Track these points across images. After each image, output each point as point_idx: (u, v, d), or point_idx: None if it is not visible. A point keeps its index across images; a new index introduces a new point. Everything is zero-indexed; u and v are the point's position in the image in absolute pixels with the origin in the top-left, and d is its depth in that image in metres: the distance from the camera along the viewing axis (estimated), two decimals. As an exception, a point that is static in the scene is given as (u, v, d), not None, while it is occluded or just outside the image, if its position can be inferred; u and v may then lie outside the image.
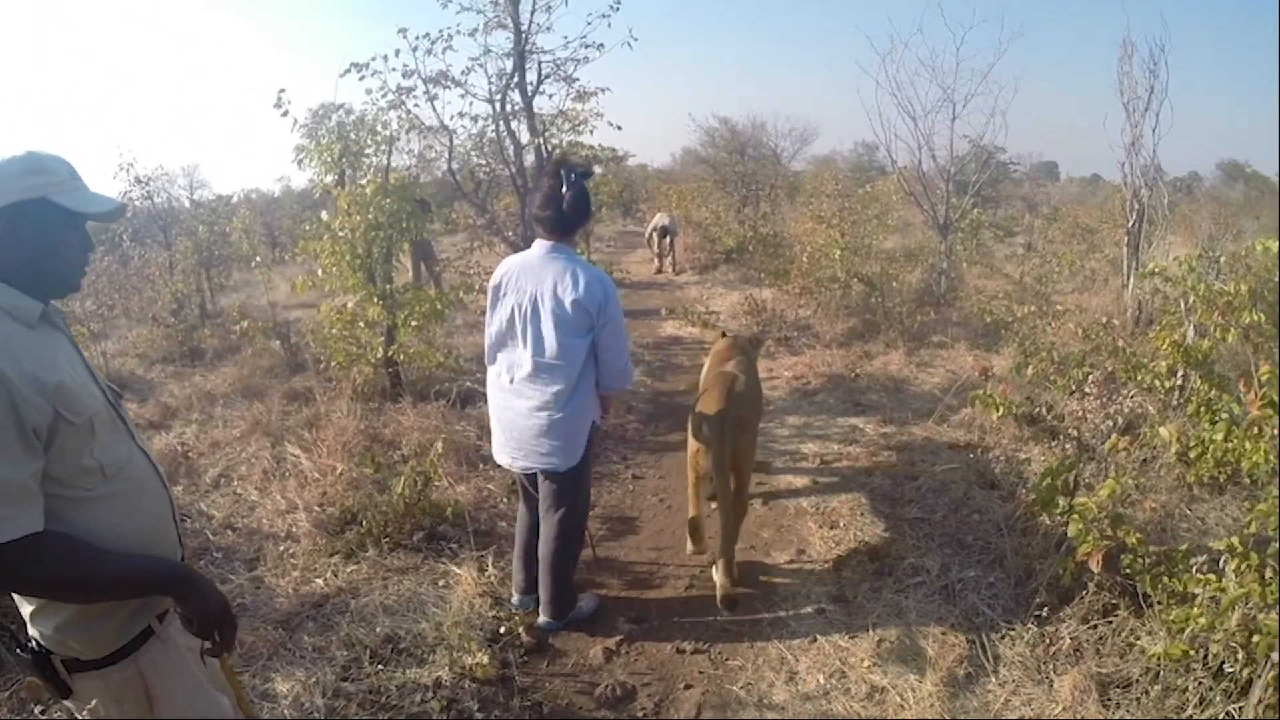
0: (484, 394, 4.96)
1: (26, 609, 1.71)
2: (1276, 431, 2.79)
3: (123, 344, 9.23)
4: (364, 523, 4.24)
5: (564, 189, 3.18)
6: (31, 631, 1.71)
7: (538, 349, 3.23)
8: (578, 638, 3.62)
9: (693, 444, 3.94)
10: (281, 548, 4.24)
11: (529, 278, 3.23)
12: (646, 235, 14.76)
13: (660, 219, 14.44)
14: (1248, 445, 3.00)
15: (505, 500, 4.78)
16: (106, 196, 1.77)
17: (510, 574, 3.92)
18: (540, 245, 3.27)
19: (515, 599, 3.79)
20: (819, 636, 3.56)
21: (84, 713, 1.68)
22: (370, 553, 4.09)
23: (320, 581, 3.90)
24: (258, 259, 10.03)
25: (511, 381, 3.33)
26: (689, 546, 4.05)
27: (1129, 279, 8.67)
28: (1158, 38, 8.90)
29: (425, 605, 3.69)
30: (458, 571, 3.95)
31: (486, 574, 3.96)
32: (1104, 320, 6.99)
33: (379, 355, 6.41)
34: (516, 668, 3.35)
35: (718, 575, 3.83)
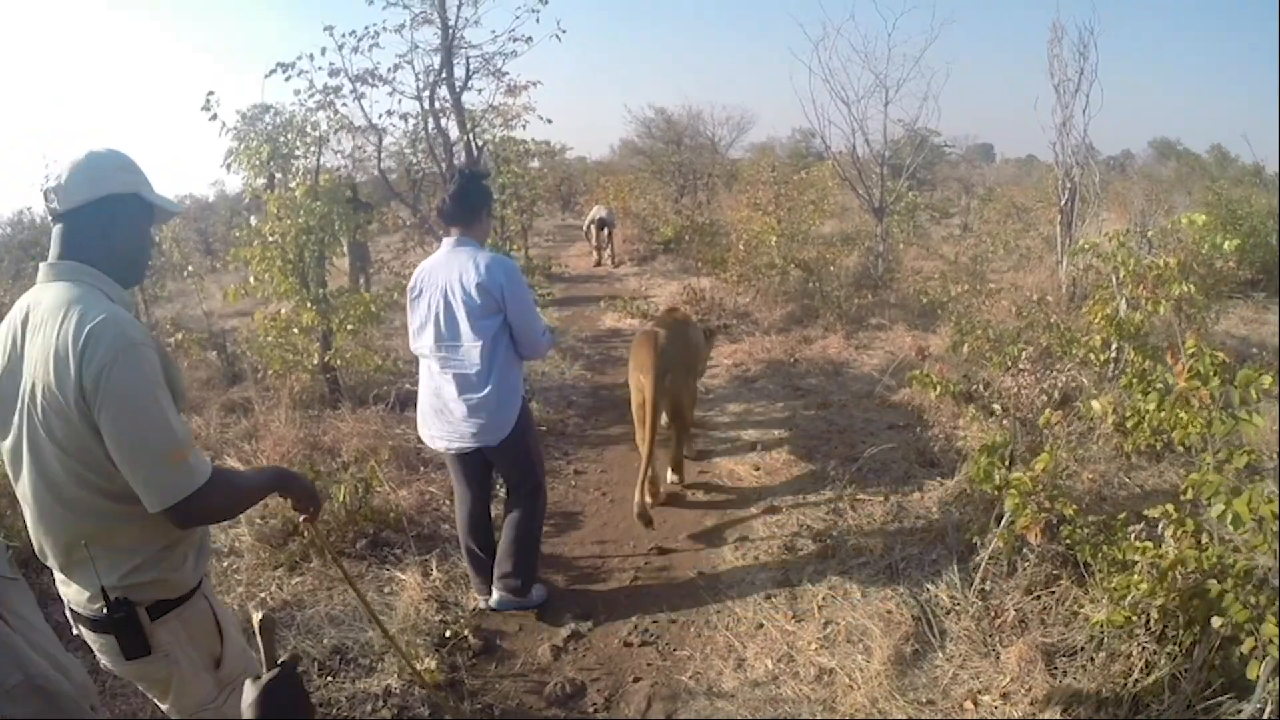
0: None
1: (85, 571, 1.80)
2: (1204, 401, 2.84)
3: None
4: (304, 533, 4.16)
5: (448, 184, 3.50)
6: (88, 590, 1.82)
7: (453, 334, 3.40)
8: (525, 637, 3.60)
9: (632, 394, 4.64)
10: (225, 564, 4.15)
11: (439, 273, 3.41)
12: (584, 228, 14.75)
13: (597, 211, 14.45)
14: (1180, 414, 3.05)
15: (447, 503, 4.72)
16: (173, 200, 2.01)
17: (459, 575, 3.93)
18: (446, 242, 3.48)
19: (484, 602, 3.77)
20: (765, 622, 3.57)
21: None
22: (314, 564, 4.02)
23: (265, 596, 3.83)
24: (190, 268, 9.81)
25: (441, 368, 3.46)
26: (635, 497, 4.30)
27: (1063, 256, 8.85)
28: (1087, 21, 9.12)
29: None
30: (402, 577, 3.91)
31: (431, 578, 3.92)
32: (1038, 297, 7.12)
33: (315, 361, 6.30)
34: (465, 671, 3.33)
35: (637, 495, 4.25)
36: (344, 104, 6.65)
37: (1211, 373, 2.79)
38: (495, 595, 3.69)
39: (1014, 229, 13.11)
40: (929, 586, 3.69)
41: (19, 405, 1.74)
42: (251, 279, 6.26)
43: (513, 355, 3.49)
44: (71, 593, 1.87)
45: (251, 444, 5.45)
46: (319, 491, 2.27)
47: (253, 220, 6.20)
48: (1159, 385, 3.40)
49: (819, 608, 3.64)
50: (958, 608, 3.50)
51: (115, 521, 1.77)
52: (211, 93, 6.28)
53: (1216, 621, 2.55)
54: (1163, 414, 3.32)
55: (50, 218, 1.85)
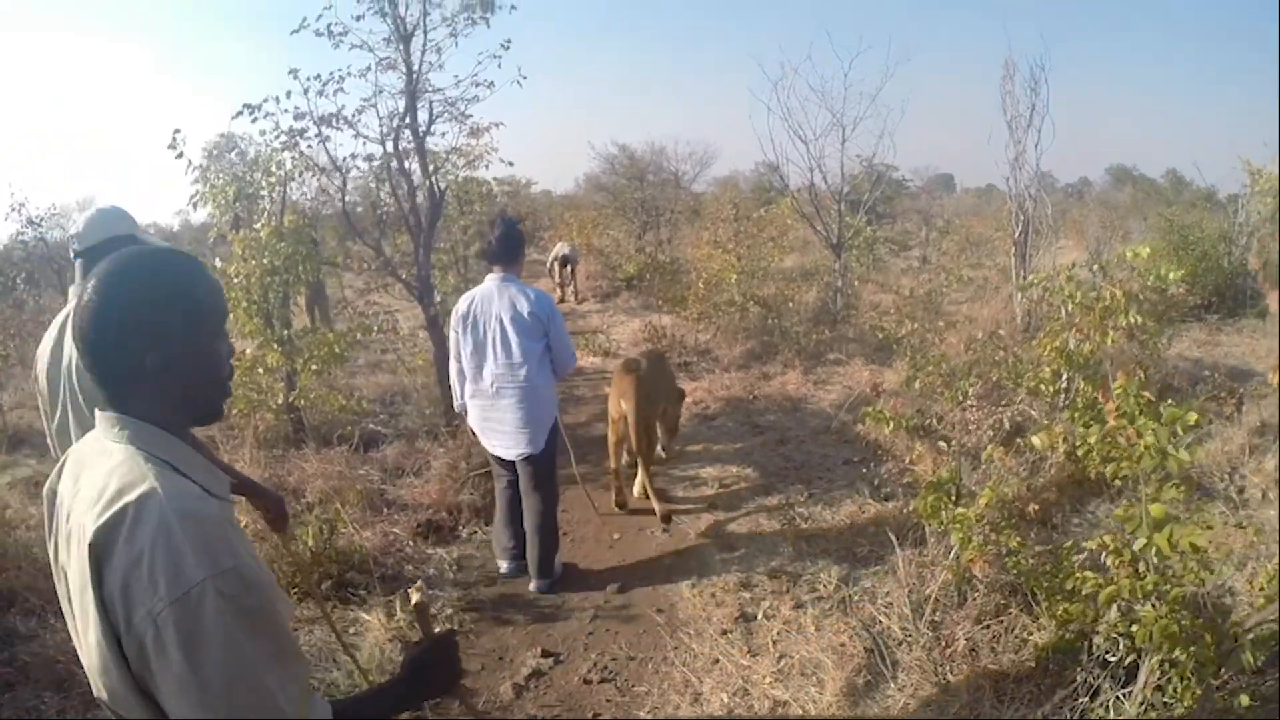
0: (389, 437, 4.95)
1: None
2: (1131, 440, 2.96)
3: (19, 395, 8.81)
4: (273, 574, 4.18)
5: (494, 228, 4.13)
6: None
7: (507, 354, 4.06)
8: (487, 675, 3.65)
9: (612, 413, 5.26)
10: (193, 604, 4.15)
11: (490, 304, 4.07)
12: (548, 265, 14.82)
13: (561, 248, 14.54)
14: (1110, 451, 3.17)
15: (411, 544, 4.78)
16: (164, 244, 2.76)
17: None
18: (491, 278, 4.13)
19: (503, 567, 4.48)
20: (722, 657, 3.64)
21: None
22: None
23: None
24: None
25: (493, 386, 4.11)
26: (612, 497, 5.32)
27: (1017, 288, 9.06)
28: (1038, 57, 9.39)
29: (337, 654, 3.65)
30: (367, 618, 3.93)
31: (395, 619, 3.95)
32: (993, 330, 7.29)
33: (280, 401, 6.32)
34: (429, 709, 3.35)
35: (655, 505, 5.01)
36: (308, 145, 6.71)
37: (1137, 411, 2.92)
38: (534, 584, 4.33)
39: (968, 262, 13.34)
40: (881, 619, 3.77)
41: (63, 388, 2.44)
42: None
43: (551, 373, 4.21)
44: None
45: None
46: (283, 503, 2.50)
47: (218, 262, 6.21)
48: (1102, 419, 3.54)
49: (774, 642, 3.72)
50: (909, 638, 3.58)
51: None
52: (178, 130, 6.35)
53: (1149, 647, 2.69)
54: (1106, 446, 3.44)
55: (72, 255, 2.61)
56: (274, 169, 7.04)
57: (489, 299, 4.09)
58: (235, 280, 6.08)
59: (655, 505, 5.00)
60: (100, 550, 1.15)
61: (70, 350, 2.42)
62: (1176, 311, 8.88)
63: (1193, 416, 2.83)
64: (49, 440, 2.59)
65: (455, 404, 4.47)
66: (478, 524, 5.09)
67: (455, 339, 4.20)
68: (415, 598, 1.64)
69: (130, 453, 1.23)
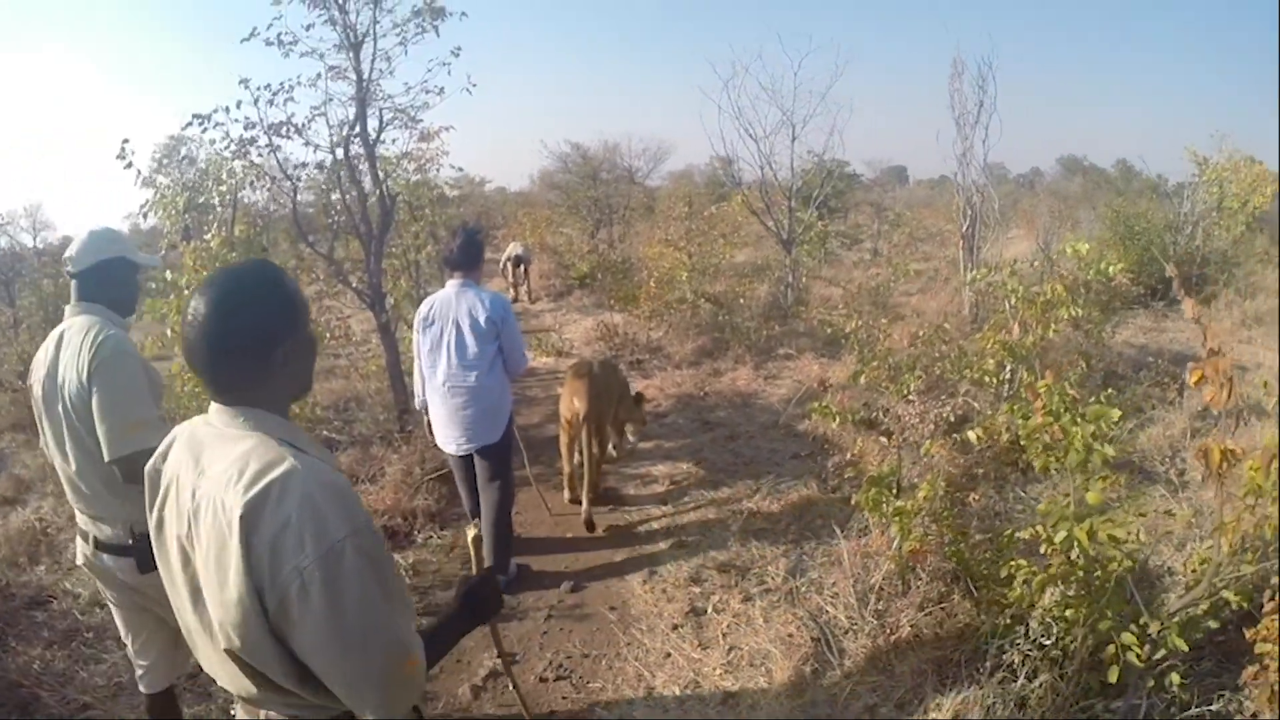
0: (343, 444, 5.01)
1: (116, 519, 2.62)
2: (1056, 437, 3.10)
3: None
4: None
5: (455, 236, 4.35)
6: (118, 529, 2.63)
7: (461, 355, 4.22)
8: (446, 678, 3.69)
9: (564, 414, 5.34)
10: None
11: (449, 308, 4.25)
12: (501, 265, 14.78)
13: (514, 248, 14.50)
14: (1037, 446, 3.30)
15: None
16: (152, 256, 2.98)
17: None
18: (451, 284, 4.31)
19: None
20: (673, 651, 3.74)
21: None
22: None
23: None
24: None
25: (445, 384, 4.25)
26: (565, 495, 5.50)
27: (965, 280, 9.26)
28: (986, 56, 9.57)
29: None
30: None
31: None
32: (939, 323, 7.44)
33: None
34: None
35: (584, 508, 5.14)
36: (259, 155, 6.69)
37: (1062, 409, 3.05)
38: None
39: (917, 256, 13.52)
40: (828, 608, 3.90)
41: (59, 399, 2.57)
42: (169, 331, 6.24)
43: (504, 373, 4.36)
44: (102, 532, 2.65)
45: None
46: None
47: (169, 274, 6.17)
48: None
49: (724, 635, 3.83)
50: (855, 627, 3.71)
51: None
52: (126, 141, 6.31)
53: (1078, 631, 2.83)
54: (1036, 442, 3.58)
55: (69, 276, 2.75)
56: (225, 177, 7.02)
57: (448, 303, 4.27)
58: (187, 292, 6.04)
59: (584, 508, 5.12)
60: (249, 520, 1.37)
61: (64, 371, 2.55)
62: (1121, 301, 9.13)
63: (1115, 414, 2.96)
64: (42, 444, 2.78)
65: (415, 401, 4.64)
66: (433, 528, 5.13)
67: (416, 340, 4.40)
68: (472, 533, 1.96)
69: (260, 438, 1.48)
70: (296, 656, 1.43)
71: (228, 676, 1.55)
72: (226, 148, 6.47)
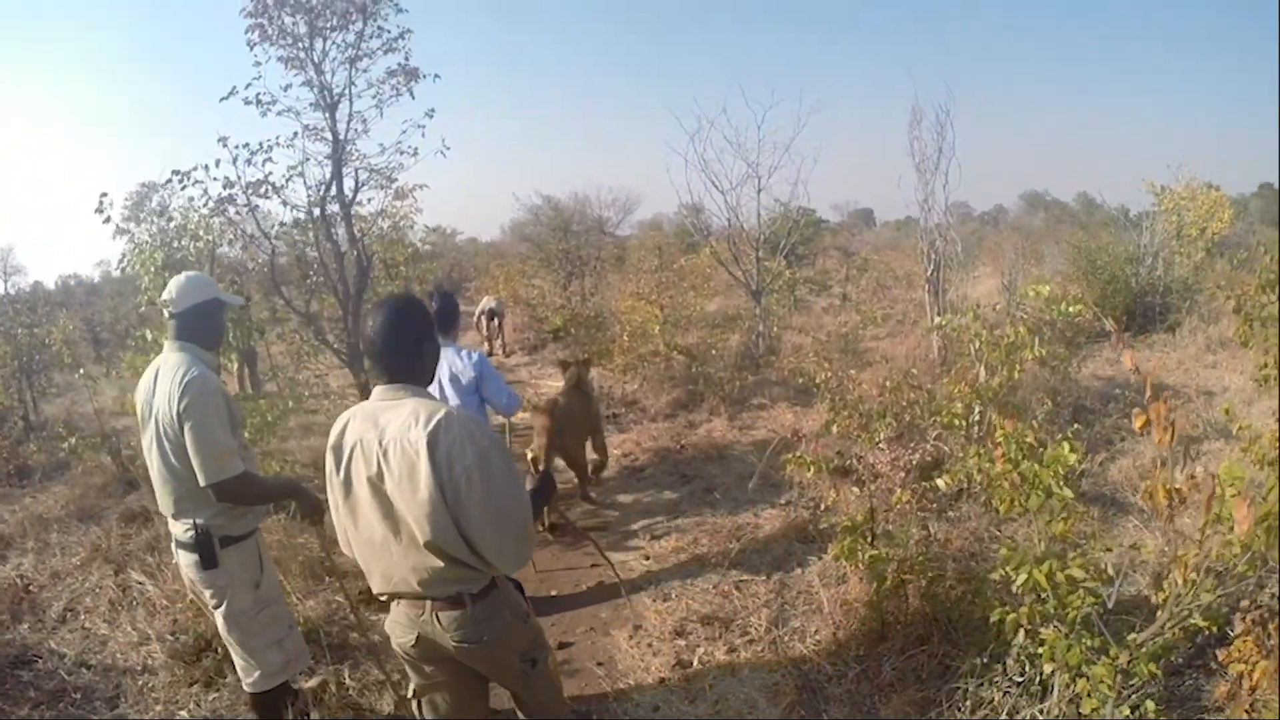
0: (324, 502, 4.98)
1: (188, 517, 3.14)
2: (1015, 484, 3.25)
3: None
4: (218, 648, 4.19)
5: (433, 301, 4.64)
6: (188, 526, 3.13)
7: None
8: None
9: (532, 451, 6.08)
10: (140, 682, 4.16)
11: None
12: (475, 318, 14.85)
13: (487, 302, 14.60)
14: (1002, 490, 3.44)
15: (354, 612, 4.78)
16: (235, 296, 3.73)
17: (371, 683, 4.10)
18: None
19: None
20: (660, 705, 3.81)
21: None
22: (229, 679, 4.04)
23: (184, 714, 3.88)
24: (82, 370, 9.70)
25: None
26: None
27: (925, 331, 9.47)
28: (943, 104, 9.85)
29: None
30: (311, 685, 3.97)
31: (345, 687, 4.02)
32: (907, 370, 7.60)
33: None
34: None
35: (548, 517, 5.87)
36: (236, 213, 6.79)
37: (1020, 457, 3.20)
38: None
39: (883, 304, 13.73)
40: (811, 656, 3.99)
41: (152, 419, 3.08)
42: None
43: (486, 422, 4.57)
44: (177, 529, 3.18)
45: (155, 556, 5.42)
46: (321, 504, 3.24)
47: (149, 334, 6.23)
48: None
49: (710, 686, 3.90)
50: (838, 673, 3.81)
51: (202, 490, 3.01)
52: (105, 194, 6.43)
53: (1048, 667, 2.95)
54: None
55: (166, 315, 3.23)
56: (201, 233, 7.11)
57: None
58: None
59: (549, 517, 5.85)
60: (431, 443, 2.20)
61: (159, 400, 3.05)
62: (1084, 336, 9.35)
63: (1072, 458, 3.11)
64: (144, 451, 3.26)
65: None
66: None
67: None
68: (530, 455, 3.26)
69: (418, 400, 2.33)
70: (465, 535, 2.24)
71: (409, 566, 2.32)
72: (205, 204, 6.59)
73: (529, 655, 2.58)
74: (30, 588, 5.35)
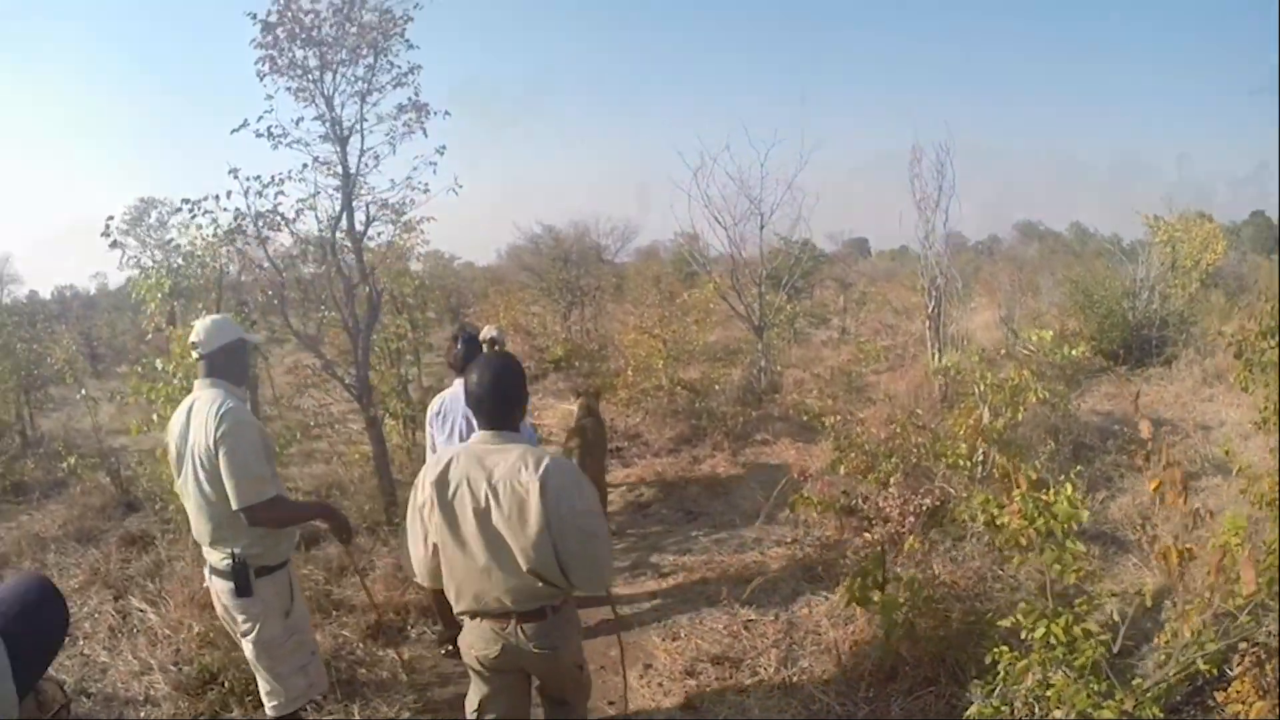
0: (327, 533, 5.12)
1: (225, 546, 3.25)
2: (1031, 540, 3.31)
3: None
4: (225, 681, 4.20)
5: (457, 344, 5.03)
6: (225, 555, 3.24)
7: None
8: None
9: None
10: (142, 713, 4.15)
11: (457, 403, 4.59)
12: (477, 347, 14.81)
13: (488, 331, 14.38)
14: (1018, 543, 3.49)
15: (360, 646, 4.81)
16: (256, 335, 4.61)
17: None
18: (458, 382, 4.62)
19: None
20: (673, 746, 3.83)
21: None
22: (235, 713, 4.06)
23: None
24: (83, 391, 9.73)
25: None
26: None
27: (933, 357, 9.52)
28: (943, 142, 9.95)
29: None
30: (326, 721, 3.99)
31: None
32: (912, 408, 7.64)
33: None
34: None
35: None
36: (245, 244, 6.81)
37: (1035, 514, 3.25)
38: None
39: (883, 342, 13.82)
40: (820, 696, 4.02)
41: (189, 453, 3.21)
42: (155, 416, 6.26)
43: None
44: (214, 557, 3.29)
45: (156, 582, 5.42)
46: (352, 525, 3.65)
47: (159, 363, 6.24)
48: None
49: (722, 727, 3.92)
50: (848, 714, 3.85)
51: (237, 519, 3.16)
52: (111, 218, 6.49)
53: (1057, 711, 2.99)
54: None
55: (195, 356, 3.39)
56: (209, 260, 7.14)
57: (456, 399, 4.63)
58: (175, 380, 6.09)
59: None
60: (544, 483, 2.53)
61: (194, 434, 3.20)
62: (1084, 373, 9.40)
63: (1084, 515, 3.17)
64: (177, 487, 3.43)
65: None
66: (426, 624, 5.09)
67: (430, 433, 4.90)
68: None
69: (524, 446, 2.66)
70: (560, 561, 2.58)
71: (506, 588, 2.62)
72: (214, 234, 6.61)
73: (578, 662, 2.97)
74: (26, 610, 5.30)
